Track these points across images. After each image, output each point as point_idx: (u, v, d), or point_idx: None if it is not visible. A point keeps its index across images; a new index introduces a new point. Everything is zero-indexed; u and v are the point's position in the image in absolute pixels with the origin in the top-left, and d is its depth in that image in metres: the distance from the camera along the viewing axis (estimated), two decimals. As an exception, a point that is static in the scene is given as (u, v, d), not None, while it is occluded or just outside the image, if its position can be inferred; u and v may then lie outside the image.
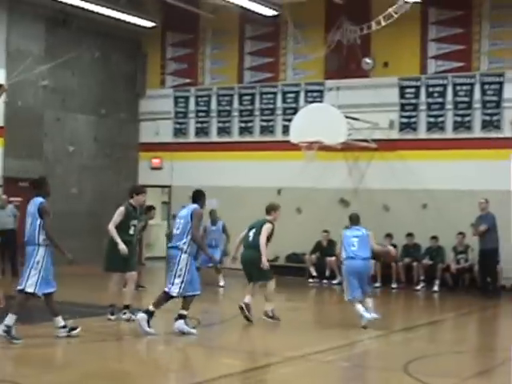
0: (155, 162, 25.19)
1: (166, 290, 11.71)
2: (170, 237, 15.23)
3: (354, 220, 13.62)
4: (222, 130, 24.13)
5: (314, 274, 20.97)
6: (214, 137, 24.30)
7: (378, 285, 20.09)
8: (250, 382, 9.22)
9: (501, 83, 20.23)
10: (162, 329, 12.80)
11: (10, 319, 10.58)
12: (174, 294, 11.69)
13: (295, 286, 20.09)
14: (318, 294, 19.65)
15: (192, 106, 24.67)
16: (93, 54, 23.71)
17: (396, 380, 9.33)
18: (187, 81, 24.90)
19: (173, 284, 11.65)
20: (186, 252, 11.69)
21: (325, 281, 20.81)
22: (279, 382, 9.37)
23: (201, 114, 24.53)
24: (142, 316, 11.58)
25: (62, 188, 22.73)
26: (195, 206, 11.99)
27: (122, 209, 12.92)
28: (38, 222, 10.76)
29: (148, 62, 25.43)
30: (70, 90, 23.24)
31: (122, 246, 12.57)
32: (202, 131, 24.49)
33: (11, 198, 20.75)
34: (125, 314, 12.86)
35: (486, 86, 20.40)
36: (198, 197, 12.19)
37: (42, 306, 14.22)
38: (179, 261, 11.65)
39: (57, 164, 22.88)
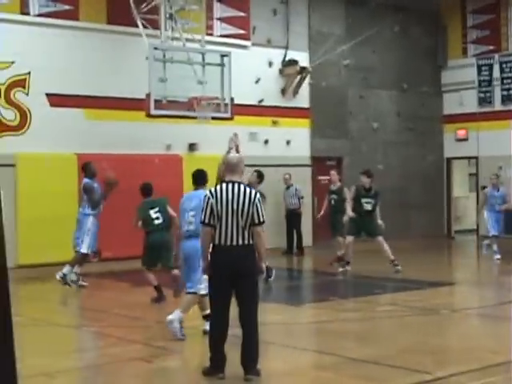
0: (460, 133, 24.70)
1: None
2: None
3: None
4: (530, 96, 23.11)
5: None
6: (521, 104, 23.36)
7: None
8: None
9: None
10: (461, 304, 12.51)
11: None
12: None
13: None
14: None
15: (496, 73, 23.83)
16: (392, 30, 23.67)
17: None
18: (490, 48, 24.07)
19: None
20: None
21: None
22: None
23: (506, 81, 23.61)
24: None
25: (367, 165, 22.93)
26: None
27: None
28: None
29: (448, 32, 24.93)
30: (371, 67, 23.40)
31: None
32: (508, 99, 23.57)
33: (320, 177, 21.66)
34: None
35: None
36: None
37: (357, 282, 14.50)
38: None
39: (362, 141, 23.20)
